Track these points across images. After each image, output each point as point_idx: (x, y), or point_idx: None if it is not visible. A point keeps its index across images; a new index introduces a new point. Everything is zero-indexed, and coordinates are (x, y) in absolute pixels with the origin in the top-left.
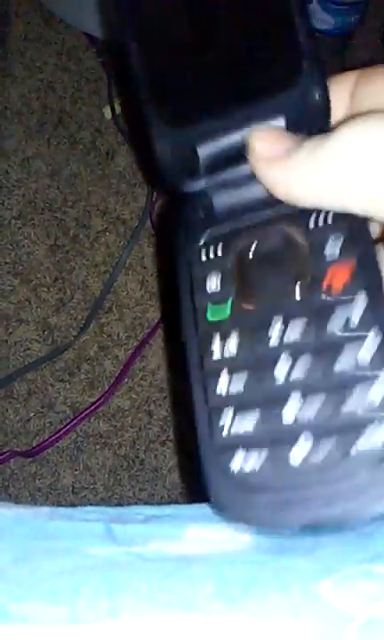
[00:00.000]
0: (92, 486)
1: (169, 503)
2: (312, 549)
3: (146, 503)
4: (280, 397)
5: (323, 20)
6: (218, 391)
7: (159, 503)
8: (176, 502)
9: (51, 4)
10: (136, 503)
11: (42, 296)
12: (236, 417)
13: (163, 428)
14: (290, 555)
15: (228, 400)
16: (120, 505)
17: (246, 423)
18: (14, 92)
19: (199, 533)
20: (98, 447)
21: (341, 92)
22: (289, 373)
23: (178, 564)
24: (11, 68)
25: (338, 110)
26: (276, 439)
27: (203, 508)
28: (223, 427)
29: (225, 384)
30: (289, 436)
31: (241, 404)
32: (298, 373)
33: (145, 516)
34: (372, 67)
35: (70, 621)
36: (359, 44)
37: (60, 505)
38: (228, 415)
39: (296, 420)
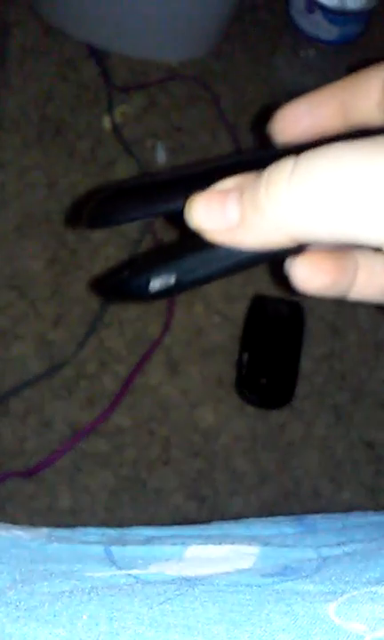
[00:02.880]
0: (91, 508)
1: (171, 525)
2: (317, 570)
3: (148, 525)
4: None
5: (326, 30)
6: None
7: (162, 525)
8: (179, 524)
9: (49, 14)
10: (137, 525)
11: (39, 310)
12: None
13: (164, 447)
14: (294, 577)
15: None
16: (122, 527)
17: None
18: (12, 103)
19: (199, 553)
20: (97, 467)
21: (332, 104)
22: None
23: (180, 587)
24: (9, 79)
25: (334, 122)
26: None
27: (204, 529)
28: None
29: None
30: None
31: None
32: None
33: (146, 538)
34: (356, 72)
35: None
36: (363, 53)
37: (58, 527)
38: None
39: None
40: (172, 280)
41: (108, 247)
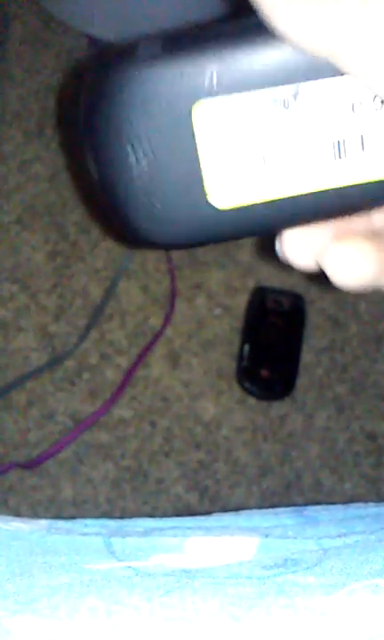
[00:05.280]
0: (93, 499)
1: (173, 516)
2: (318, 562)
3: (149, 516)
4: None
5: None
6: None
7: (163, 516)
8: (180, 515)
9: (50, 6)
10: (139, 516)
11: (41, 303)
12: None
13: (166, 438)
14: (295, 569)
15: None
16: (122, 519)
17: None
18: (13, 95)
19: (200, 544)
20: (99, 458)
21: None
22: None
23: (179, 579)
24: (9, 71)
25: None
26: None
27: (205, 521)
28: None
29: None
30: None
31: None
32: None
33: (146, 529)
34: None
35: (67, 637)
36: None
37: (60, 519)
38: None
39: None
40: (212, 79)
41: (109, 239)
